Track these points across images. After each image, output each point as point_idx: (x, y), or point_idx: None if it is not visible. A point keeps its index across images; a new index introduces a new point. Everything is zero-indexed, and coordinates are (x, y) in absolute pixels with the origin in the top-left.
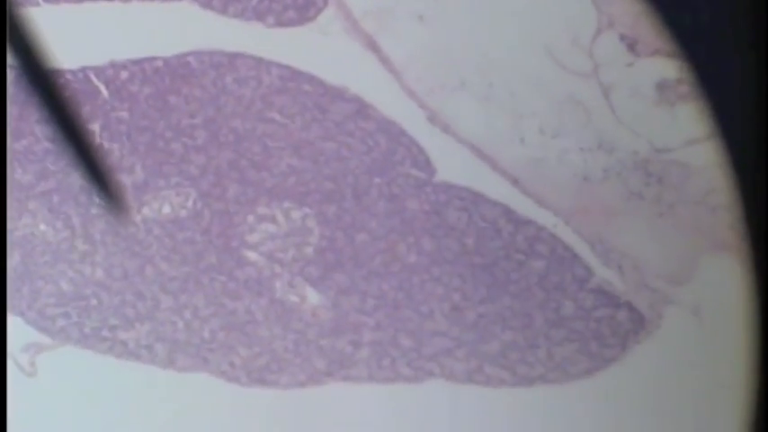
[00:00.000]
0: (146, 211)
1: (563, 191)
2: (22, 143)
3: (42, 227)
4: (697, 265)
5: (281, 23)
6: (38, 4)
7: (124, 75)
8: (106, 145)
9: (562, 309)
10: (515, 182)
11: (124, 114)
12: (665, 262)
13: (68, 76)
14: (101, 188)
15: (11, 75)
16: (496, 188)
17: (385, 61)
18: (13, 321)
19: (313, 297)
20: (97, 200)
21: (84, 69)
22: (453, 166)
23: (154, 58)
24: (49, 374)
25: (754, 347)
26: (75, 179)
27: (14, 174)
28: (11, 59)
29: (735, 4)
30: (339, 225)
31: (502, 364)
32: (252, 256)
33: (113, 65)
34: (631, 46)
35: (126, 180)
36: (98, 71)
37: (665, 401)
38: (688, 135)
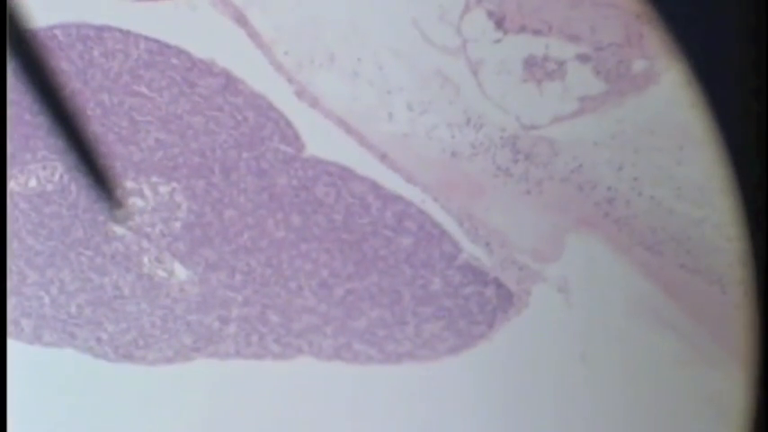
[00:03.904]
0: (12, 184)
1: (431, 167)
2: None
3: None
4: (564, 242)
5: None
6: None
7: None
8: None
9: (430, 285)
10: (383, 157)
11: None
12: (532, 239)
13: None
14: (97, 184)
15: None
16: (365, 163)
17: (253, 35)
18: None
19: (181, 272)
20: (94, 195)
21: None
22: (322, 141)
23: None
24: None
25: (754, 347)
26: None
27: None
28: (10, 59)
29: (735, 4)
30: (207, 200)
31: (370, 340)
32: (119, 230)
33: None
34: (499, 22)
35: None
36: None
37: (532, 378)
38: (555, 112)
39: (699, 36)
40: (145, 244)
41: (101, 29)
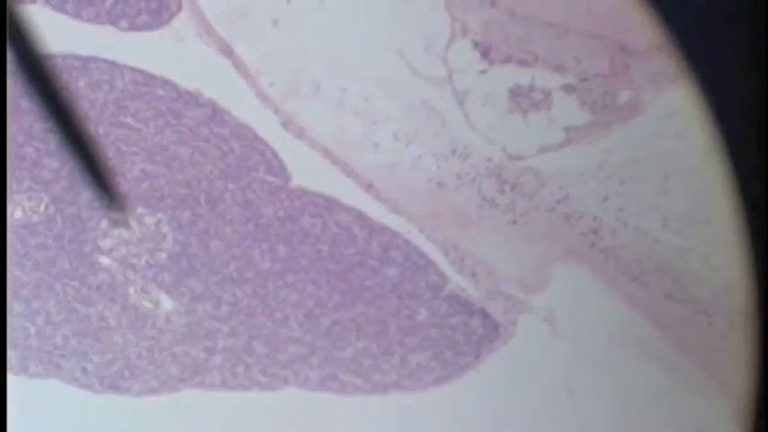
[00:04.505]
0: None
1: (417, 197)
2: None
3: None
4: (550, 272)
5: (134, 28)
6: None
7: None
8: None
9: (416, 316)
10: (369, 188)
11: None
12: (518, 269)
13: None
14: (99, 188)
15: (11, 75)
16: (351, 194)
17: (239, 66)
18: None
19: (167, 303)
20: (97, 199)
21: None
22: (308, 171)
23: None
24: None
25: (754, 349)
26: None
27: None
28: (11, 57)
29: (735, 4)
30: (193, 231)
31: (356, 371)
32: (105, 261)
33: None
34: (485, 53)
35: None
36: None
37: (518, 408)
38: (541, 142)
39: (699, 36)
40: (131, 275)
41: (86, 59)
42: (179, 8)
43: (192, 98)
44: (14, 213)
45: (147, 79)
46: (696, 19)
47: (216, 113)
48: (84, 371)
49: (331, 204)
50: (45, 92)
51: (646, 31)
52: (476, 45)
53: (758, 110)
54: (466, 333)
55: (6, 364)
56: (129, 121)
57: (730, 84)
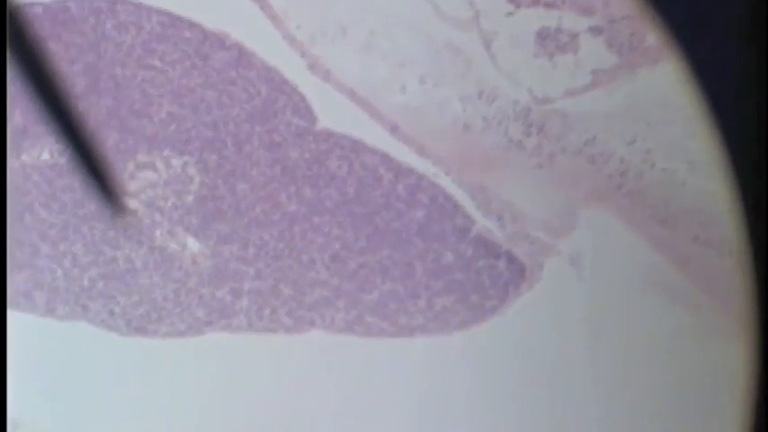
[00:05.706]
0: (24, 157)
1: (443, 139)
2: None
3: None
4: (576, 215)
5: None
6: None
7: None
8: None
9: (442, 259)
10: (395, 130)
11: None
12: (545, 212)
13: None
14: (96, 182)
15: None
16: (377, 136)
17: (266, 8)
18: None
19: (193, 245)
20: (92, 192)
21: None
22: (334, 114)
23: (33, 4)
24: None
25: (755, 347)
26: None
27: None
28: (10, 57)
29: (734, 3)
30: (220, 173)
31: (382, 314)
32: (132, 203)
33: None
34: None
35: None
36: None
37: (543, 352)
38: (568, 85)
39: (699, 36)
40: (157, 217)
41: (113, 2)
42: None
43: (219, 41)
44: (42, 155)
45: (174, 21)
46: (696, 18)
47: (243, 56)
48: (111, 313)
49: (357, 147)
50: (45, 89)
51: None
52: None
53: (759, 109)
54: (492, 276)
55: (6, 362)
56: (156, 63)
57: (730, 83)
